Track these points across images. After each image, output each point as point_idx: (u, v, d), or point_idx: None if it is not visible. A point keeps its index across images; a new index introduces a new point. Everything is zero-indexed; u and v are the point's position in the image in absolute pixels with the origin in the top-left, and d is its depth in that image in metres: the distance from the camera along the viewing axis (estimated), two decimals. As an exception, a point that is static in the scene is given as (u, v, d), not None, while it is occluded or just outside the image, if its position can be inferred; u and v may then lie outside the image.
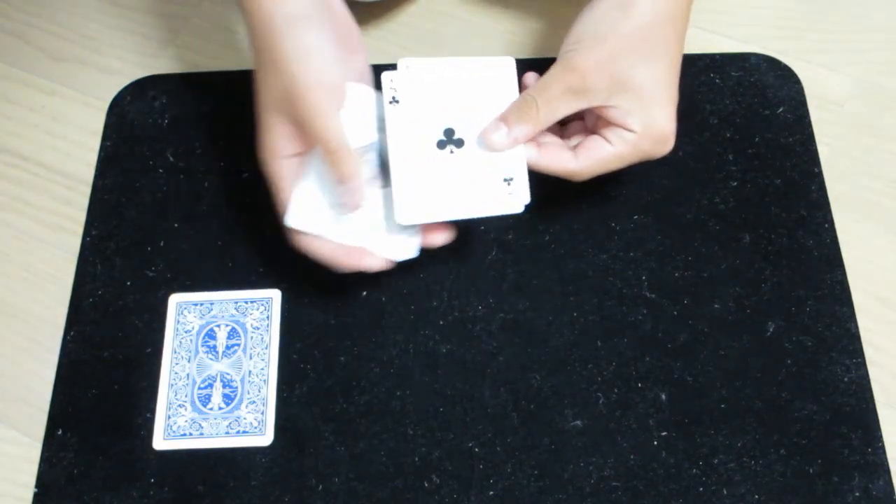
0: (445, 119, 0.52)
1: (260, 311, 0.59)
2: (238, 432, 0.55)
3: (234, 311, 0.59)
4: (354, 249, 0.53)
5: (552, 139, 0.55)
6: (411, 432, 0.55)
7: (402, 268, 0.56)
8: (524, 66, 0.54)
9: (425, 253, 0.58)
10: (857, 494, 0.52)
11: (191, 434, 0.55)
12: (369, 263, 0.53)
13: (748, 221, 0.61)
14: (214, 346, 0.58)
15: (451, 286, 0.59)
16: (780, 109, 0.65)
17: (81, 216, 0.63)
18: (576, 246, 0.60)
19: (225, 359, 0.58)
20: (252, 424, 0.56)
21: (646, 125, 0.52)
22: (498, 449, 0.54)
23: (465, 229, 0.61)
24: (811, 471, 0.53)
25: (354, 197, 0.51)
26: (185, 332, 0.58)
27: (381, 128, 0.54)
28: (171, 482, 0.54)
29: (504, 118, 0.52)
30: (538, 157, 0.52)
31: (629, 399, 0.55)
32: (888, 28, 0.70)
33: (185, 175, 0.64)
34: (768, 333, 0.57)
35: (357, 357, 0.57)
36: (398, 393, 0.56)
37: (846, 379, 0.56)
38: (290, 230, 0.53)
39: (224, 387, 0.57)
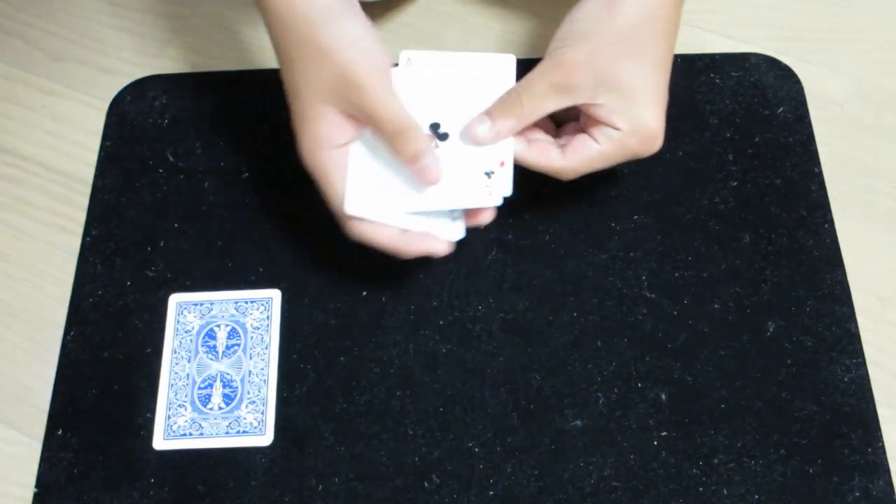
0: (435, 113, 0.53)
1: (260, 311, 0.59)
2: (238, 432, 0.55)
3: (234, 311, 0.59)
4: (418, 235, 0.52)
5: (542, 136, 0.55)
6: (411, 432, 0.55)
7: (403, 268, 0.56)
8: (524, 65, 0.54)
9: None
10: (857, 494, 0.52)
11: (191, 434, 0.55)
12: (437, 248, 0.52)
13: (748, 221, 0.61)
14: (214, 346, 0.58)
15: (451, 286, 0.59)
16: (780, 109, 0.65)
17: (81, 216, 0.63)
18: (576, 246, 0.60)
19: (225, 359, 0.58)
20: (252, 424, 0.56)
21: (632, 123, 0.52)
22: (498, 449, 0.54)
23: (467, 230, 0.61)
24: (811, 471, 0.53)
25: (428, 174, 0.50)
26: (185, 332, 0.58)
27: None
28: (171, 482, 0.54)
29: (489, 112, 0.52)
30: (526, 152, 0.52)
31: (629, 399, 0.55)
32: (888, 28, 0.70)
33: (185, 175, 0.64)
34: (768, 333, 0.57)
35: (357, 357, 0.57)
36: (398, 393, 0.56)
37: (846, 379, 0.56)
38: (348, 219, 0.52)
39: (224, 387, 0.57)
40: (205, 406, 0.56)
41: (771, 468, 0.53)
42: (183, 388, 0.57)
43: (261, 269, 0.60)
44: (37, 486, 0.54)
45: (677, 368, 0.56)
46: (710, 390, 0.56)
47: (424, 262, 0.59)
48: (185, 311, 0.59)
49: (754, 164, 0.63)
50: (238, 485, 0.54)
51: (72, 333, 0.59)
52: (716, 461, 0.54)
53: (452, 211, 0.53)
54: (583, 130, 0.54)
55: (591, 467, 0.54)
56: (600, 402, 0.55)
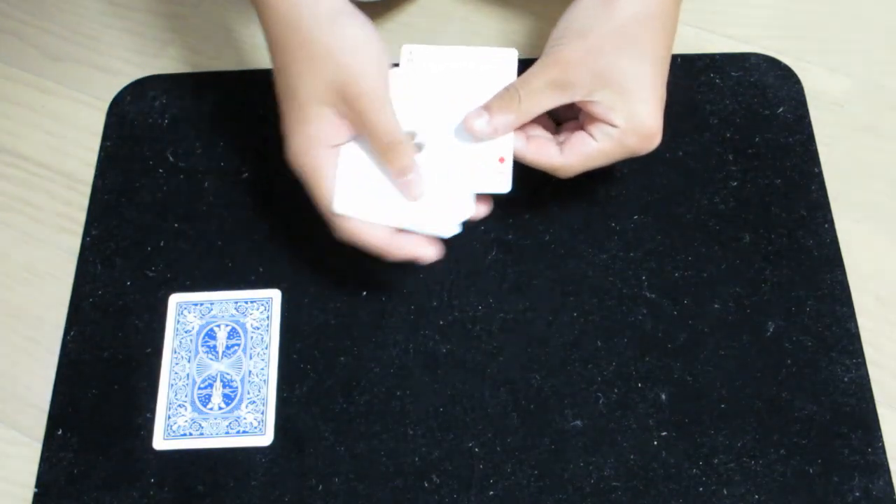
0: (449, 99, 0.53)
1: (260, 311, 0.59)
2: (238, 432, 0.55)
3: (234, 311, 0.59)
4: (407, 238, 0.52)
5: (541, 133, 0.55)
6: (411, 432, 0.55)
7: (402, 268, 0.56)
8: (523, 64, 0.54)
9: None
10: (857, 494, 0.52)
11: (191, 434, 0.55)
12: (425, 253, 0.52)
13: (748, 221, 0.61)
14: (214, 346, 0.58)
15: (451, 286, 0.59)
16: (780, 109, 0.65)
17: (81, 216, 0.63)
18: (576, 246, 0.60)
19: (225, 359, 0.58)
20: (252, 424, 0.56)
21: (628, 120, 0.52)
22: (498, 449, 0.54)
23: (465, 228, 0.61)
24: (811, 471, 0.53)
25: (413, 189, 0.51)
26: (185, 332, 0.58)
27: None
28: (171, 482, 0.54)
29: (487, 106, 0.52)
30: (525, 148, 0.53)
31: (629, 399, 0.55)
32: (888, 28, 0.70)
33: (185, 175, 0.64)
34: (768, 333, 0.57)
35: (357, 357, 0.57)
36: (398, 393, 0.56)
37: (846, 379, 0.56)
38: (338, 218, 0.52)
39: (224, 387, 0.57)
40: (205, 406, 0.56)
41: (771, 468, 0.53)
42: (183, 388, 0.57)
43: (261, 269, 0.60)
44: (37, 486, 0.54)
45: (677, 368, 0.56)
46: (710, 390, 0.56)
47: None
48: (185, 311, 0.59)
49: (754, 164, 0.63)
50: (238, 485, 0.54)
51: (72, 333, 0.59)
52: (716, 461, 0.54)
53: (453, 203, 0.52)
54: (581, 128, 0.54)
55: (591, 467, 0.54)
56: (600, 402, 0.55)
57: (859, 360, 0.56)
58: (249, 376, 0.57)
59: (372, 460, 0.54)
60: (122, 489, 0.54)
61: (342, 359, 0.57)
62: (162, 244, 0.62)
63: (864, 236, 0.61)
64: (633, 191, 0.62)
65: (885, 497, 0.52)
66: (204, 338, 0.58)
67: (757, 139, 0.64)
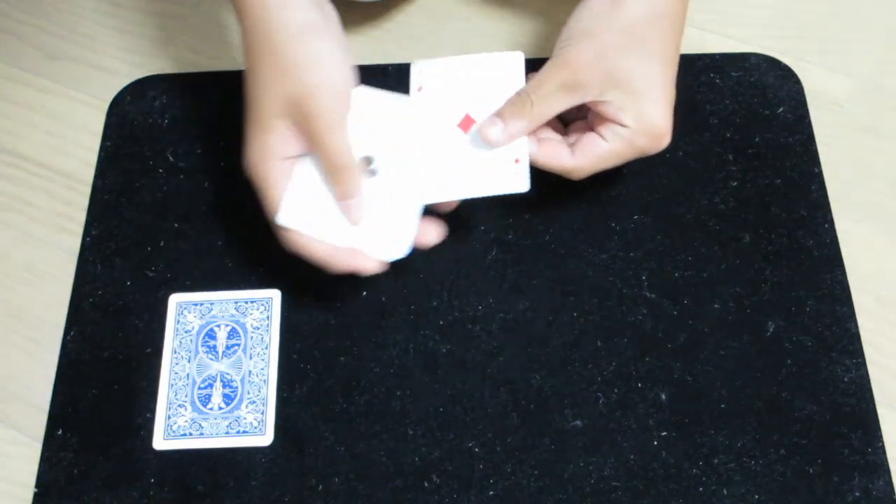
0: (462, 105, 0.54)
1: (260, 311, 0.59)
2: (238, 432, 0.55)
3: (234, 311, 0.59)
4: (349, 251, 0.53)
5: (552, 135, 0.55)
6: (411, 432, 0.55)
7: (402, 268, 0.56)
8: (525, 65, 0.54)
9: (425, 253, 0.58)
10: (857, 494, 0.52)
11: (191, 434, 0.55)
12: (364, 265, 0.53)
13: (748, 221, 0.61)
14: (214, 346, 0.58)
15: (451, 286, 0.59)
16: (780, 109, 0.65)
17: (81, 216, 0.63)
18: (576, 246, 0.60)
19: (225, 359, 0.58)
20: (252, 424, 0.56)
21: (638, 120, 0.52)
22: (498, 449, 0.54)
23: (465, 229, 0.61)
24: (811, 471, 0.53)
25: (353, 213, 0.52)
26: (185, 332, 0.58)
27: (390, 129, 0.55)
28: (171, 482, 0.54)
29: (500, 114, 0.52)
30: (536, 152, 0.53)
31: (629, 399, 0.55)
32: (888, 28, 0.70)
33: (185, 175, 0.64)
34: (768, 333, 0.57)
35: (357, 357, 0.57)
36: (398, 393, 0.56)
37: (846, 379, 0.56)
38: (282, 229, 0.53)
39: (224, 387, 0.57)
40: (205, 406, 0.56)
41: (771, 468, 0.53)
42: (183, 388, 0.57)
43: (261, 269, 0.60)
44: (37, 486, 0.54)
45: (677, 368, 0.56)
46: (710, 390, 0.56)
47: (424, 262, 0.59)
48: (185, 311, 0.59)
49: (754, 164, 0.63)
50: (238, 485, 0.54)
51: (72, 333, 0.59)
52: (716, 461, 0.54)
53: (399, 226, 0.53)
54: (591, 129, 0.54)
55: (591, 467, 0.54)
56: (600, 402, 0.55)
57: (859, 360, 0.56)
58: (249, 376, 0.57)
59: (372, 460, 0.54)
60: (122, 489, 0.54)
61: (342, 359, 0.57)
62: (162, 244, 0.62)
63: (864, 236, 0.61)
64: (633, 191, 0.62)
65: (885, 497, 0.52)
66: (204, 338, 0.58)
67: (757, 139, 0.64)
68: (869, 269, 0.60)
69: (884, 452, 0.53)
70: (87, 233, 0.62)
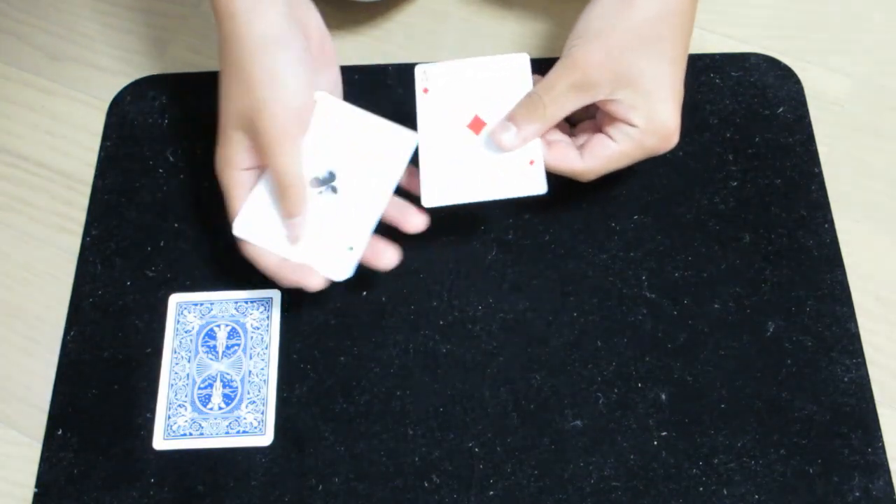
0: (471, 107, 0.54)
1: (260, 311, 0.59)
2: (238, 432, 0.55)
3: (234, 311, 0.59)
4: (296, 266, 0.54)
5: (561, 137, 0.55)
6: (411, 432, 0.55)
7: (402, 268, 0.56)
8: (530, 67, 0.54)
9: (425, 253, 0.58)
10: (857, 494, 0.52)
11: (191, 434, 0.55)
12: (308, 281, 0.53)
13: (748, 221, 0.61)
14: (214, 346, 0.58)
15: (451, 286, 0.59)
16: (780, 109, 0.65)
17: (81, 216, 0.63)
18: (576, 246, 0.60)
19: (225, 359, 0.58)
20: (252, 424, 0.55)
21: (648, 120, 0.52)
22: (498, 449, 0.54)
23: (465, 229, 0.61)
24: (811, 471, 0.53)
25: (293, 231, 0.53)
26: (185, 332, 0.58)
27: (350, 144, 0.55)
28: (171, 482, 0.54)
29: (512, 118, 0.52)
30: (546, 155, 0.53)
31: (629, 399, 0.55)
32: (888, 28, 0.70)
33: (185, 175, 0.64)
34: (768, 333, 0.57)
35: (357, 357, 0.57)
36: (398, 393, 0.56)
37: (846, 379, 0.56)
38: (238, 239, 0.54)
39: (224, 387, 0.57)
40: (205, 406, 0.56)
41: (771, 468, 0.53)
42: (183, 388, 0.57)
43: (261, 269, 0.60)
44: (37, 486, 0.54)
45: (677, 368, 0.56)
46: (710, 390, 0.56)
47: (424, 262, 0.59)
48: (185, 311, 0.59)
49: (754, 164, 0.63)
50: (238, 485, 0.54)
51: (72, 333, 0.59)
52: (716, 461, 0.54)
53: (347, 247, 0.54)
54: (599, 130, 0.54)
55: (591, 467, 0.54)
56: (600, 402, 0.55)
57: (859, 360, 0.56)
58: (249, 376, 0.57)
59: (372, 460, 0.54)
60: (122, 489, 0.54)
61: (342, 359, 0.57)
62: (162, 244, 0.62)
63: (864, 236, 0.61)
64: (633, 191, 0.62)
65: (885, 497, 0.52)
66: (204, 338, 0.58)
67: (757, 139, 0.64)
68: (869, 269, 0.60)
69: (884, 452, 0.53)
70: (87, 233, 0.62)
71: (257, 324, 0.58)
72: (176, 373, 0.57)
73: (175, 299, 0.60)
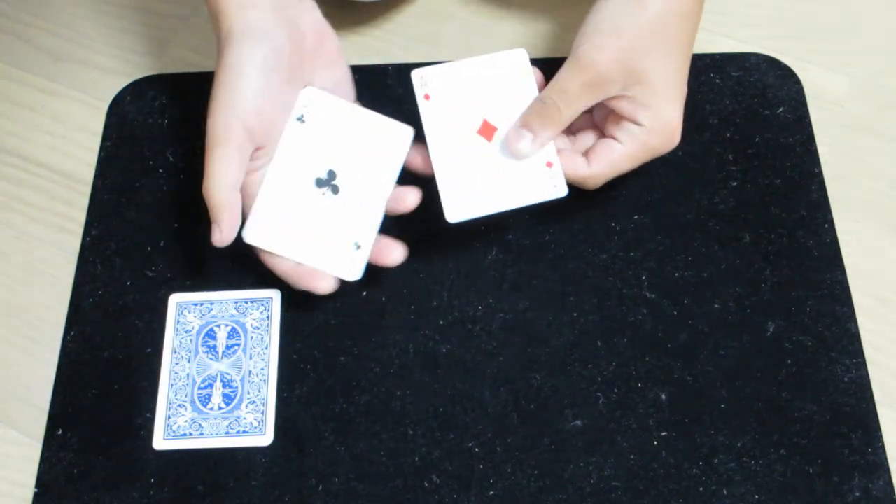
0: (478, 111, 0.53)
1: (260, 311, 0.59)
2: (238, 432, 0.55)
3: (234, 311, 0.59)
4: (308, 271, 0.54)
5: (565, 144, 0.55)
6: (411, 432, 0.55)
7: (402, 268, 0.56)
8: (529, 62, 0.54)
9: (425, 253, 0.58)
10: (857, 494, 0.52)
11: (191, 434, 0.55)
12: (320, 285, 0.54)
13: (748, 221, 0.61)
14: (214, 346, 0.58)
15: (451, 286, 0.59)
16: (780, 109, 0.65)
17: (81, 216, 0.63)
18: (576, 246, 0.60)
19: (225, 359, 0.58)
20: (252, 424, 0.55)
21: (654, 118, 0.52)
22: (498, 449, 0.54)
23: (465, 229, 0.61)
24: (811, 471, 0.53)
25: (213, 236, 0.53)
26: (185, 332, 0.58)
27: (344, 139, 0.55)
28: (171, 482, 0.54)
29: (527, 125, 0.52)
30: None
31: (629, 399, 0.55)
32: (888, 28, 0.70)
33: (185, 175, 0.64)
34: (768, 333, 0.57)
35: (357, 357, 0.57)
36: (398, 393, 0.56)
37: (846, 379, 0.56)
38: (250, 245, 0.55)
39: (224, 387, 0.57)
40: (205, 406, 0.56)
41: (771, 468, 0.53)
42: (183, 388, 0.57)
43: (261, 269, 0.60)
44: (37, 486, 0.54)
45: (677, 368, 0.56)
46: (710, 390, 0.56)
47: (424, 262, 0.59)
48: (185, 311, 0.59)
49: (754, 164, 0.63)
50: (238, 485, 0.54)
51: (72, 333, 0.59)
52: (716, 461, 0.54)
53: (355, 248, 0.54)
54: (599, 124, 0.54)
55: (591, 467, 0.54)
56: (600, 402, 0.55)
57: (859, 360, 0.56)
58: (249, 376, 0.57)
59: (372, 460, 0.54)
60: (122, 489, 0.54)
61: (342, 359, 0.57)
62: (162, 244, 0.62)
63: (864, 236, 0.61)
64: (633, 191, 0.62)
65: (885, 497, 0.52)
66: (204, 338, 0.58)
67: (757, 139, 0.64)
68: (869, 269, 0.60)
69: (884, 452, 0.53)
70: (87, 233, 0.62)
71: (257, 324, 0.58)
72: (176, 373, 0.57)
73: (175, 299, 0.60)
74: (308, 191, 0.55)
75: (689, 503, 0.53)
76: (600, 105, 0.53)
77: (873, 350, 0.57)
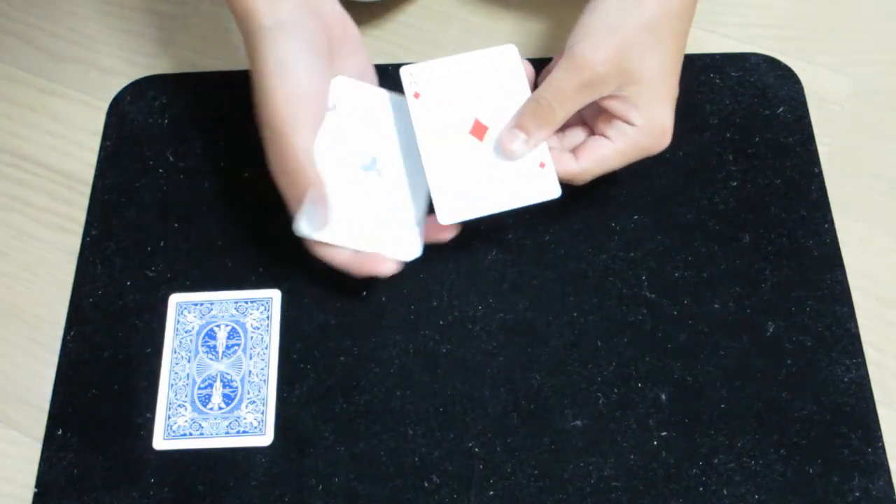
0: (469, 110, 0.53)
1: (260, 311, 0.59)
2: (238, 432, 0.55)
3: (234, 311, 0.59)
4: (368, 255, 0.53)
5: (553, 142, 0.55)
6: (411, 432, 0.55)
7: (402, 268, 0.56)
8: (520, 59, 0.54)
9: (425, 253, 0.58)
10: (857, 494, 0.52)
11: (191, 434, 0.55)
12: (383, 269, 0.53)
13: (748, 221, 0.61)
14: (214, 346, 0.58)
15: (451, 286, 0.59)
16: (780, 109, 0.65)
17: (81, 216, 0.63)
18: (576, 246, 0.60)
19: (225, 359, 0.58)
20: (252, 424, 0.56)
21: (647, 119, 0.52)
22: (498, 449, 0.54)
23: (465, 229, 0.61)
24: (811, 471, 0.53)
25: (318, 220, 0.52)
26: (185, 332, 0.58)
27: (384, 126, 0.54)
28: (171, 482, 0.54)
29: (521, 125, 0.52)
30: None
31: (629, 399, 0.55)
32: (888, 28, 0.70)
33: (185, 175, 0.64)
34: (768, 333, 0.57)
35: (357, 357, 0.57)
36: (398, 393, 0.56)
37: (846, 379, 0.56)
38: (304, 239, 0.54)
39: (224, 387, 0.57)
40: (205, 406, 0.56)
41: (771, 468, 0.53)
42: (183, 388, 0.57)
43: (261, 269, 0.60)
44: (37, 486, 0.54)
45: (677, 368, 0.56)
46: (710, 390, 0.56)
47: (424, 262, 0.59)
48: (185, 311, 0.59)
49: (754, 164, 0.63)
50: (238, 485, 0.54)
51: (72, 333, 0.59)
52: (716, 461, 0.54)
53: (413, 227, 0.54)
54: (587, 122, 0.54)
55: (591, 467, 0.54)
56: (600, 402, 0.55)
57: (859, 360, 0.56)
58: (249, 376, 0.57)
59: (372, 460, 0.54)
60: (122, 489, 0.54)
61: (342, 359, 0.57)
62: (162, 244, 0.62)
63: (864, 236, 0.61)
64: (633, 191, 0.62)
65: (885, 497, 0.52)
66: (204, 338, 0.58)
67: (757, 139, 0.64)
68: (869, 269, 0.60)
69: (884, 452, 0.53)
70: (87, 233, 0.62)
71: (257, 324, 0.58)
72: (176, 373, 0.57)
73: (175, 299, 0.60)
74: (355, 177, 0.54)
75: (688, 503, 0.53)
76: (591, 104, 0.53)
77: (873, 350, 0.57)
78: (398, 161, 0.54)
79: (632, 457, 0.54)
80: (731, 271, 0.59)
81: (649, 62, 0.51)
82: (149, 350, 0.58)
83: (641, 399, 0.55)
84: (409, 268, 0.58)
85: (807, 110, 0.65)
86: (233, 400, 0.56)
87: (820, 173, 0.62)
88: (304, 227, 0.53)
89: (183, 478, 0.54)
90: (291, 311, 0.59)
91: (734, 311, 0.58)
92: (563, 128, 0.56)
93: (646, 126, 0.52)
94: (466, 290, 0.59)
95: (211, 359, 0.58)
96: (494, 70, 0.54)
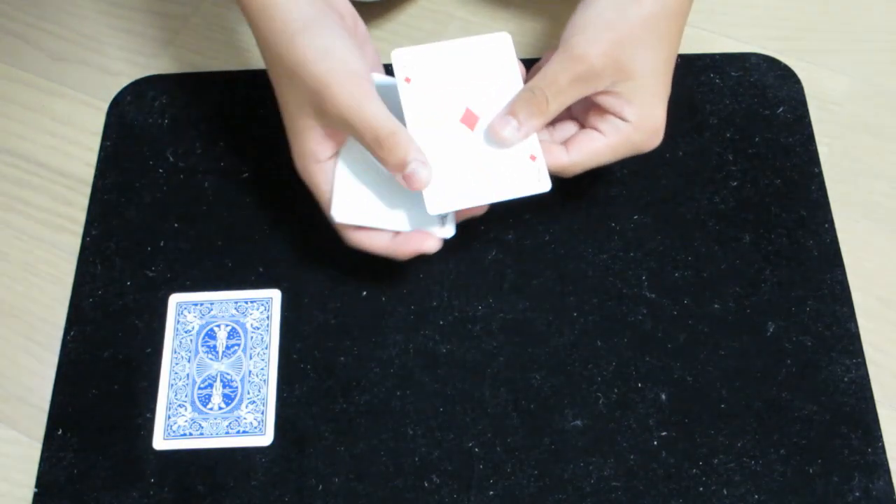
0: (461, 98, 0.52)
1: (260, 311, 0.59)
2: (238, 432, 0.55)
3: (234, 311, 0.59)
4: (409, 235, 0.52)
5: (543, 135, 0.54)
6: (411, 432, 0.55)
7: (403, 268, 0.56)
8: (513, 48, 0.53)
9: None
10: (857, 494, 0.52)
11: (191, 434, 0.55)
12: (428, 245, 0.52)
13: (748, 221, 0.61)
14: (214, 346, 0.58)
15: (451, 286, 0.59)
16: (780, 109, 0.65)
17: (81, 216, 0.63)
18: (576, 246, 0.60)
19: (225, 359, 0.58)
20: (252, 424, 0.56)
21: (640, 116, 0.52)
22: (498, 449, 0.54)
23: (465, 229, 0.61)
24: (811, 471, 0.53)
25: (415, 181, 0.49)
26: (185, 332, 0.58)
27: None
28: (171, 482, 0.54)
29: (513, 113, 0.51)
30: None
31: (629, 399, 0.55)
32: (888, 28, 0.70)
33: (185, 175, 0.64)
34: (768, 333, 0.57)
35: (357, 357, 0.57)
36: (398, 393, 0.56)
37: (846, 379, 0.56)
38: (341, 227, 0.53)
39: (224, 387, 0.57)
40: (205, 406, 0.56)
41: (771, 468, 0.53)
42: (183, 388, 0.57)
43: (261, 269, 0.60)
44: (37, 486, 0.54)
45: (677, 368, 0.56)
46: (710, 390, 0.56)
47: (424, 262, 0.59)
48: (185, 311, 0.59)
49: (754, 164, 0.63)
50: (238, 485, 0.54)
51: (72, 333, 0.59)
52: (716, 461, 0.54)
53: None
54: (576, 116, 0.54)
55: (591, 467, 0.54)
56: (600, 402, 0.55)
57: (859, 360, 0.56)
58: (249, 376, 0.57)
59: (372, 460, 0.54)
60: (122, 489, 0.54)
61: (342, 359, 0.57)
62: (162, 244, 0.62)
63: (864, 236, 0.61)
64: (633, 191, 0.62)
65: (885, 497, 0.52)
66: (204, 338, 0.58)
67: (757, 139, 0.64)
68: (869, 269, 0.60)
69: (884, 452, 0.53)
70: (87, 233, 0.62)
71: (257, 324, 0.59)
72: (176, 373, 0.57)
73: (175, 299, 0.60)
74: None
75: (689, 503, 0.53)
76: (583, 99, 0.53)
77: (873, 350, 0.57)
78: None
79: (632, 457, 0.54)
80: (731, 271, 0.59)
81: (645, 59, 0.51)
82: (149, 350, 0.58)
83: (641, 399, 0.55)
84: (410, 268, 0.58)
85: (807, 110, 0.65)
86: (233, 400, 0.56)
87: (820, 173, 0.62)
88: (342, 214, 0.51)
89: (183, 478, 0.54)
90: (291, 311, 0.59)
91: (734, 311, 0.58)
92: (554, 122, 0.55)
93: (639, 122, 0.52)
94: (466, 290, 0.59)
95: (211, 359, 0.58)
96: (488, 58, 0.52)
